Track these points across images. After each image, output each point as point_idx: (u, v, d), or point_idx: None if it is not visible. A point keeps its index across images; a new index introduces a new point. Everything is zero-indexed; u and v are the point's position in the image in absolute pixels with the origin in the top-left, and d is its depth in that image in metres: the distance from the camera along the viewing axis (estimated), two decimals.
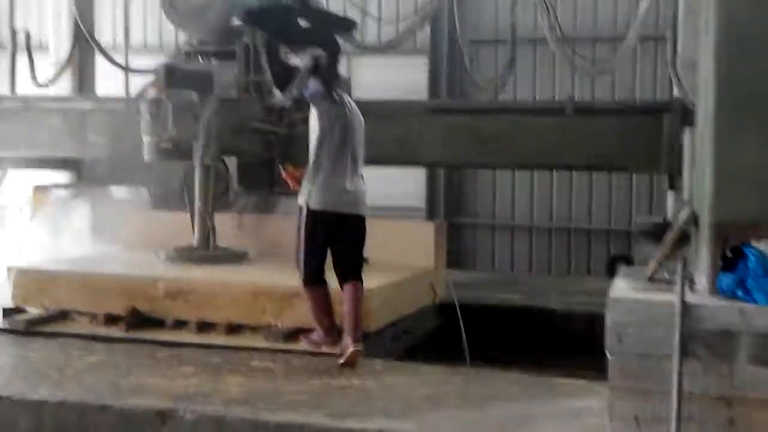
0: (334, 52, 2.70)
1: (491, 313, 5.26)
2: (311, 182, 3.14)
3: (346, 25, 2.94)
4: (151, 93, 4.18)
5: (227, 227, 4.58)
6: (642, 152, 4.41)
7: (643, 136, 4.36)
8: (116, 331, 3.66)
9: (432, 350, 4.56)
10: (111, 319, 3.76)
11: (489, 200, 7.81)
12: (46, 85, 5.51)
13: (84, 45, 5.25)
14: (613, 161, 4.70)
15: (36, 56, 5.63)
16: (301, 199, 3.22)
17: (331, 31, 2.71)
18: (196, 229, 4.43)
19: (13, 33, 5.56)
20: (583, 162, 4.86)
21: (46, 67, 5.88)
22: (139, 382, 2.92)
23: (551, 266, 7.64)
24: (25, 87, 5.73)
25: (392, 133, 4.77)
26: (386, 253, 4.33)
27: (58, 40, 5.95)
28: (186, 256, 4.29)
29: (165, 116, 4.03)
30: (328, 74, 2.73)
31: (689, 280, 2.15)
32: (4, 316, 3.82)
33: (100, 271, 4.02)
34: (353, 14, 5.81)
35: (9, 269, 3.96)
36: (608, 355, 2.13)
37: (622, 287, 2.27)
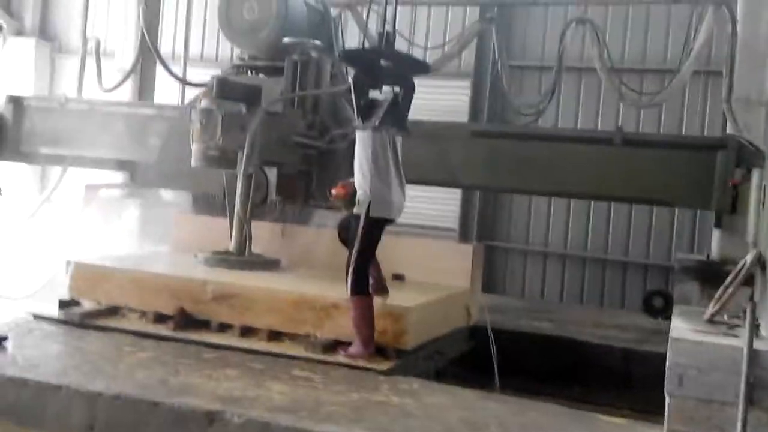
0: (409, 90, 3.05)
1: (522, 340, 5.24)
2: (369, 193, 3.35)
3: (422, 68, 3.29)
4: (203, 103, 4.37)
5: (264, 235, 4.70)
6: (691, 188, 4.36)
7: (694, 171, 4.32)
8: (164, 330, 3.80)
9: (462, 373, 4.57)
10: (159, 318, 3.90)
11: (523, 225, 7.76)
12: (110, 90, 5.80)
13: (147, 55, 5.52)
14: (659, 195, 4.66)
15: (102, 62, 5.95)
16: (358, 209, 3.38)
17: (409, 72, 3.05)
18: (233, 235, 4.59)
19: (85, 40, 5.88)
20: (629, 194, 4.83)
21: (110, 73, 6.20)
22: (187, 381, 3.03)
23: (583, 297, 7.53)
24: (90, 91, 6.07)
25: (434, 154, 4.84)
26: (423, 273, 4.40)
27: (123, 48, 6.26)
28: (222, 260, 4.44)
29: (214, 125, 4.19)
30: (403, 108, 3.10)
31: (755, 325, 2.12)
32: (60, 307, 4.00)
33: (152, 270, 4.17)
34: (400, 39, 5.96)
35: (68, 263, 4.15)
36: (667, 397, 2.11)
37: (681, 328, 2.25)
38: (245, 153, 4.26)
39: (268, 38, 4.75)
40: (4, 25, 9.17)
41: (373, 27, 5.11)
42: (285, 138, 4.48)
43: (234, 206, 4.57)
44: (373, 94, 3.02)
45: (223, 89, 4.33)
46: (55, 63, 9.37)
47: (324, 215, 5.00)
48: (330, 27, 5.17)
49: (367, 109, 3.03)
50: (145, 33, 5.67)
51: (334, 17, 5.29)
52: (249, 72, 5.06)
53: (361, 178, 3.36)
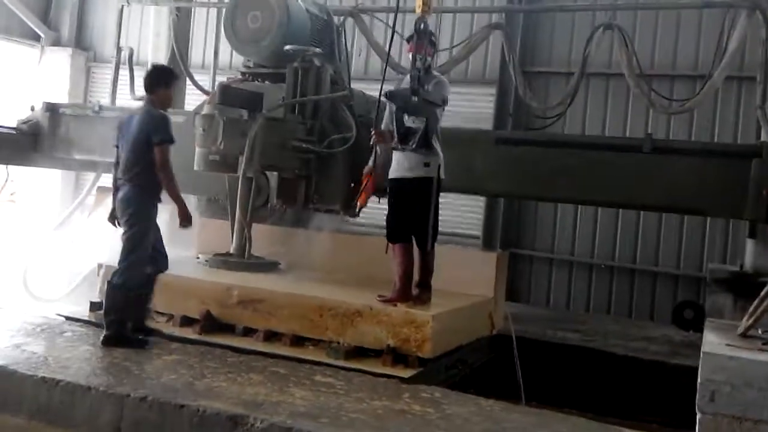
0: (434, 120, 3.81)
1: (547, 350, 5.15)
2: (436, 157, 3.87)
3: (442, 102, 3.93)
4: (206, 109, 4.49)
5: (264, 237, 4.80)
6: (724, 197, 4.23)
7: (727, 180, 4.20)
8: (191, 333, 3.86)
9: (485, 382, 4.52)
10: (186, 321, 3.98)
11: (549, 233, 7.63)
12: (141, 99, 5.94)
13: (178, 65, 5.65)
14: (691, 204, 4.53)
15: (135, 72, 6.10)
16: (429, 172, 3.86)
17: (432, 106, 3.77)
18: (234, 237, 4.70)
19: (119, 50, 6.05)
20: (659, 203, 4.71)
21: (141, 81, 6.36)
22: (211, 384, 3.07)
23: (611, 307, 7.35)
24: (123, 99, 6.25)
25: (458, 161, 4.81)
26: (446, 281, 4.36)
27: (155, 58, 6.43)
28: (222, 262, 4.55)
29: (216, 131, 4.31)
30: (431, 132, 3.85)
31: None
32: (91, 309, 4.10)
33: (180, 274, 4.25)
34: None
35: (100, 265, 4.26)
36: (698, 413, 2.04)
37: (714, 342, 2.18)
38: (245, 157, 4.36)
39: (271, 46, 4.85)
40: (43, 36, 9.52)
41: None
42: (284, 143, 4.58)
43: (235, 209, 4.66)
44: (408, 123, 3.75)
45: (226, 96, 4.46)
46: (90, 72, 9.68)
47: (323, 218, 5.07)
48: (332, 34, 5.24)
49: (405, 135, 3.77)
50: (175, 44, 5.80)
51: (337, 25, 5.36)
52: (254, 79, 5.16)
53: (428, 149, 3.84)
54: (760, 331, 2.13)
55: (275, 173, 4.69)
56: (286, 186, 4.74)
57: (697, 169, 4.38)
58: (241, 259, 4.59)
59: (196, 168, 4.49)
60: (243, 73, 5.19)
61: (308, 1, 5.35)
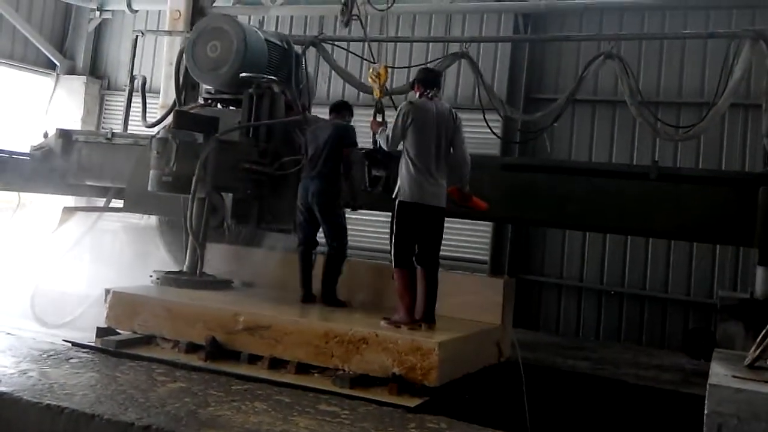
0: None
1: (557, 379, 5.07)
2: (401, 182, 4.07)
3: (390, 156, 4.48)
4: (161, 133, 4.69)
5: (218, 256, 4.93)
6: (731, 224, 4.21)
7: (734, 207, 4.19)
8: (196, 360, 3.85)
9: (492, 412, 4.45)
10: (192, 347, 3.97)
11: (557, 258, 7.59)
12: (152, 126, 6.07)
13: (189, 93, 5.80)
14: (698, 231, 4.52)
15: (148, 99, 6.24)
16: (398, 196, 4.05)
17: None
18: (187, 255, 4.81)
19: (132, 78, 6.22)
20: (666, 230, 4.70)
21: (155, 109, 6.52)
22: (215, 413, 3.04)
23: (621, 335, 7.26)
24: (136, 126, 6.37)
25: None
26: (453, 308, 4.34)
27: (167, 86, 6.57)
28: (173, 280, 4.64)
29: (169, 153, 4.52)
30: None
31: None
32: (97, 335, 4.10)
33: (186, 300, 4.26)
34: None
35: (107, 291, 4.28)
36: None
37: (720, 373, 2.14)
38: (195, 178, 4.52)
39: (229, 74, 5.09)
40: (58, 64, 9.79)
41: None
42: (236, 165, 4.76)
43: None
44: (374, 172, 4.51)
45: (181, 120, 4.66)
46: (103, 100, 9.92)
47: (276, 238, 5.19)
48: (291, 62, 5.45)
49: (375, 181, 4.49)
50: (184, 73, 5.94)
51: (298, 53, 5.56)
52: (217, 104, 5.37)
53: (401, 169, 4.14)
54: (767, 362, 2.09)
55: (230, 194, 4.85)
56: (240, 206, 4.92)
57: (703, 196, 4.38)
58: (192, 277, 4.65)
59: (150, 189, 4.65)
60: (205, 99, 5.39)
61: (269, 31, 5.63)
